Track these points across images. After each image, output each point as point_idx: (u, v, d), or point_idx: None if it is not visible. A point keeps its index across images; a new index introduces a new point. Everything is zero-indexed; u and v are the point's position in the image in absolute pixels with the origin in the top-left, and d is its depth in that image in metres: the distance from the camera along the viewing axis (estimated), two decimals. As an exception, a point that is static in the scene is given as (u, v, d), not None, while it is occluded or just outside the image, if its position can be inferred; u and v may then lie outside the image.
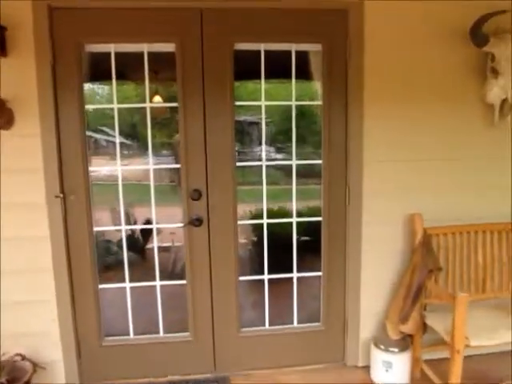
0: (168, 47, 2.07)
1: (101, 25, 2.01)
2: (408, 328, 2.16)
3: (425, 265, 2.15)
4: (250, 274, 2.37)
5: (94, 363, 2.25)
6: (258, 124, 2.31)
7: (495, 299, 2.24)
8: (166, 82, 2.19)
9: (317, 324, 2.38)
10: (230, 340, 2.30)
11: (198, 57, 2.07)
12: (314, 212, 2.31)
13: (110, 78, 2.08)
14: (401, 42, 2.16)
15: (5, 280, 2.08)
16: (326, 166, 2.22)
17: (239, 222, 2.23)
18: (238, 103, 2.16)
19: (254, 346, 2.34)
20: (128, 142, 2.26)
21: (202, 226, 2.18)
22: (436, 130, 2.25)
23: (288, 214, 2.32)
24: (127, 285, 2.24)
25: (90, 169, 2.12)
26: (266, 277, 2.31)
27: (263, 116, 2.18)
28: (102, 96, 2.19)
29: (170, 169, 2.23)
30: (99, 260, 2.21)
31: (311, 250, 2.35)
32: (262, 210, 2.27)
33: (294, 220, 2.28)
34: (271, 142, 2.35)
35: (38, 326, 2.14)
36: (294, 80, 2.17)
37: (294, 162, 2.23)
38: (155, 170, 2.16)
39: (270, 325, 2.36)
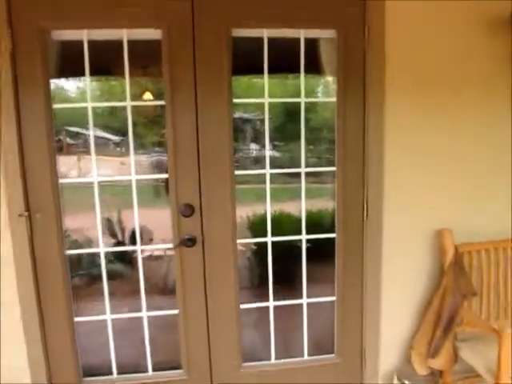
0: (153, 34, 1.73)
1: (70, 7, 1.66)
2: (439, 363, 1.85)
3: (457, 289, 1.84)
4: (253, 301, 2.03)
5: (71, 408, 1.91)
6: (258, 124, 1.98)
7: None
8: (151, 77, 1.84)
9: (330, 356, 2.07)
10: (230, 377, 1.97)
11: (188, 45, 1.73)
12: (327, 227, 1.99)
13: (82, 71, 1.73)
14: (429, 28, 1.83)
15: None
16: (340, 174, 1.90)
17: (239, 241, 1.90)
18: (236, 101, 1.82)
19: None
20: (108, 147, 1.91)
21: (196, 246, 1.84)
22: (471, 132, 1.93)
23: (297, 230, 1.98)
24: (108, 316, 1.90)
25: (61, 181, 1.77)
26: (271, 303, 1.98)
27: (266, 116, 1.84)
28: (74, 93, 1.84)
29: (157, 180, 1.88)
30: (74, 287, 1.87)
31: (323, 271, 2.03)
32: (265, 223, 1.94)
33: (304, 237, 1.95)
34: (274, 145, 2.02)
35: (4, 371, 1.80)
36: (302, 72, 1.83)
37: (303, 170, 1.90)
38: (138, 181, 1.82)
39: (276, 358, 2.03)
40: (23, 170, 1.71)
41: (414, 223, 1.96)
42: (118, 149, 1.95)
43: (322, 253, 2.05)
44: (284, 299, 1.99)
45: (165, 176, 1.81)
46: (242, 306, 1.93)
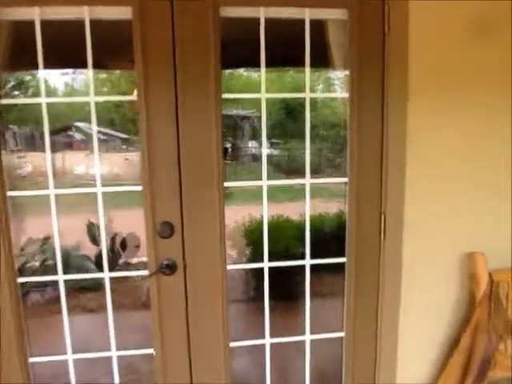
0: (121, 13, 1.39)
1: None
2: (470, 417, 1.53)
3: (493, 328, 1.52)
4: (245, 338, 1.70)
5: None
6: (254, 123, 1.64)
7: None
8: (121, 67, 1.51)
9: (337, 401, 1.75)
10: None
11: (166, 27, 1.39)
12: (334, 248, 1.66)
13: (35, 59, 1.40)
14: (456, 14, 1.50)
15: None
16: (352, 186, 1.56)
17: (229, 267, 1.57)
18: (227, 96, 1.49)
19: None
20: (70, 151, 1.58)
21: (176, 273, 1.51)
22: (507, 137, 1.60)
23: (297, 238, 1.65)
24: (69, 357, 1.57)
25: (9, 194, 1.44)
26: (267, 341, 1.65)
27: (264, 113, 1.50)
28: (29, 86, 1.50)
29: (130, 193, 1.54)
30: (29, 321, 1.54)
31: (329, 302, 1.70)
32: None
33: (308, 262, 1.62)
34: (273, 146, 1.68)
35: None
36: (308, 58, 1.49)
37: (308, 182, 1.57)
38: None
39: (273, 406, 1.71)
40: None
41: (438, 245, 1.63)
42: (86, 152, 1.61)
43: (328, 276, 1.73)
44: (283, 335, 1.66)
45: (138, 188, 1.48)
46: (232, 344, 1.61)
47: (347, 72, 1.53)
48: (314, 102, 1.55)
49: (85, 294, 1.94)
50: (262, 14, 1.44)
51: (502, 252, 1.63)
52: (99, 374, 1.61)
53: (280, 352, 1.66)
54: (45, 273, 1.56)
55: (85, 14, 1.37)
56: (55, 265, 1.50)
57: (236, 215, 3.83)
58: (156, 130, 1.44)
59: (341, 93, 1.58)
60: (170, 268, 1.50)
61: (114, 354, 1.58)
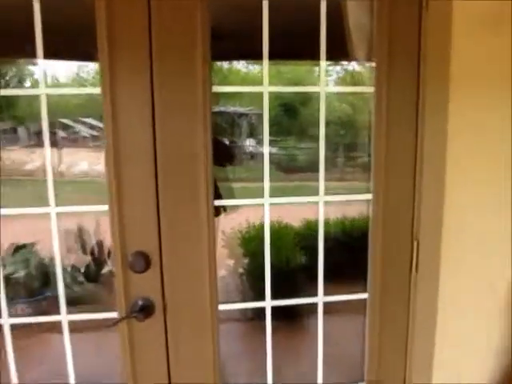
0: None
1: None
2: None
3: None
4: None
5: None
6: (249, 119, 1.30)
7: None
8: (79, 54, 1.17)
9: None
10: None
11: (139, 3, 1.06)
12: (351, 284, 1.33)
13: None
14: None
15: None
16: (378, 203, 1.24)
17: (222, 308, 1.23)
18: (219, 89, 1.16)
19: None
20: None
21: (154, 317, 1.18)
22: None
23: (299, 266, 1.33)
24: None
25: None
26: (269, 397, 1.32)
27: (266, 109, 1.17)
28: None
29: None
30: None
31: (346, 344, 1.37)
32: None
33: (320, 300, 1.29)
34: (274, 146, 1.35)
35: None
36: (324, 44, 1.16)
37: (322, 199, 1.24)
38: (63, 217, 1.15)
39: None
40: None
41: (484, 283, 1.31)
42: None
43: (344, 313, 1.40)
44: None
45: (103, 208, 1.14)
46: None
47: (367, 63, 1.22)
48: (315, 97, 1.23)
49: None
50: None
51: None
52: None
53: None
54: None
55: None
56: None
57: (231, 221, 3.51)
58: (126, 133, 1.10)
59: (365, 87, 1.25)
60: (146, 310, 1.16)
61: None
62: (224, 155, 3.15)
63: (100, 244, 3.44)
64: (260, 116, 1.23)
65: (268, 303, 1.26)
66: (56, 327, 1.20)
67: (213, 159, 1.16)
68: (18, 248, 3.08)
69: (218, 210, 1.20)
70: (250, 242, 3.51)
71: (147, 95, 1.09)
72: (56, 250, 1.17)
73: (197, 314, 1.20)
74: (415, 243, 1.25)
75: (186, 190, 1.16)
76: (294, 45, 1.72)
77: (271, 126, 1.17)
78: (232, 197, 3.62)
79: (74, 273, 3.28)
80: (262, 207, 1.22)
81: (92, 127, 5.50)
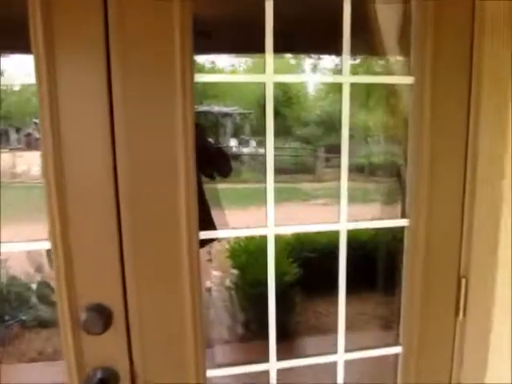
0: None
1: None
2: None
3: None
4: None
5: None
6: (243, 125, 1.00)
7: None
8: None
9: None
10: None
11: None
12: (381, 333, 1.04)
13: None
14: None
15: None
16: (417, 231, 0.94)
17: (210, 374, 0.91)
18: (204, 78, 0.84)
19: None
20: None
21: (117, 393, 0.86)
22: None
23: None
24: None
25: None
26: None
27: (271, 105, 0.86)
28: None
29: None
30: None
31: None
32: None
33: (341, 359, 0.99)
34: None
35: None
36: (348, 25, 0.86)
37: (344, 227, 0.93)
38: None
39: None
40: None
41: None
42: None
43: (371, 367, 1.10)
44: None
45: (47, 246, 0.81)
46: None
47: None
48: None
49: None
50: None
51: None
52: None
53: None
54: None
55: None
56: None
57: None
58: (74, 139, 0.78)
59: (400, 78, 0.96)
60: (106, 384, 0.84)
61: None
62: (215, 163, 2.39)
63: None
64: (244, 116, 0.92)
65: (273, 365, 0.95)
66: None
67: (199, 169, 0.85)
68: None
69: (204, 240, 0.88)
70: (238, 256, 3.20)
71: (103, 88, 0.77)
72: None
73: (177, 385, 0.89)
74: (463, 281, 0.97)
75: (160, 215, 0.84)
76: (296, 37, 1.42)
77: (257, 126, 0.87)
78: (219, 203, 3.27)
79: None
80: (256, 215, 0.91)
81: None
